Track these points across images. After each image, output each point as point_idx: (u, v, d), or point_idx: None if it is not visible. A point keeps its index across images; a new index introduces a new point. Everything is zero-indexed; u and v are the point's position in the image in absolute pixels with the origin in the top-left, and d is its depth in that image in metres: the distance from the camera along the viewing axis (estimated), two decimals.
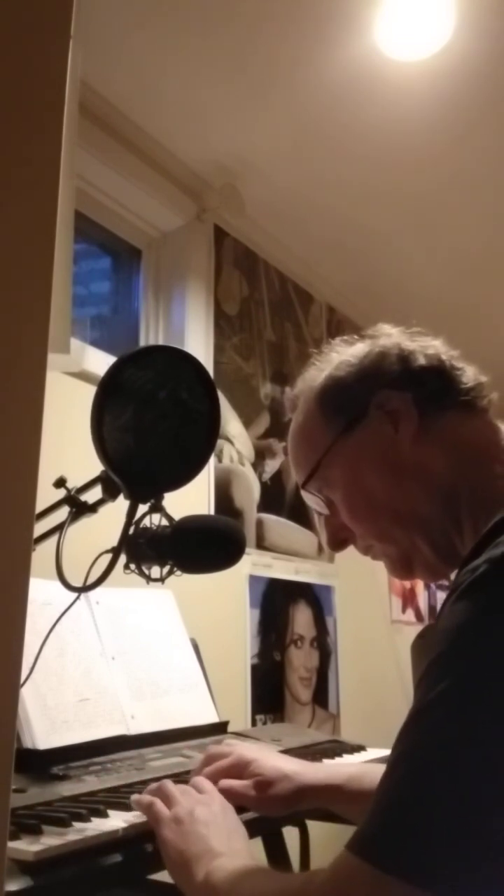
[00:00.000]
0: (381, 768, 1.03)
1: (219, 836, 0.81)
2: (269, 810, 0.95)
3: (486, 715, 0.57)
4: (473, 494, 0.82)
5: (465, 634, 0.61)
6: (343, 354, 0.93)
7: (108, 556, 0.85)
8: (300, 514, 2.54)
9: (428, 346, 0.90)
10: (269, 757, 0.99)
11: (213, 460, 2.21)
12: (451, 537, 0.84)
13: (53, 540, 0.90)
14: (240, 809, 0.92)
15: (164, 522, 0.89)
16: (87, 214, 2.16)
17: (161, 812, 0.85)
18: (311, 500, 0.94)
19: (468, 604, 0.62)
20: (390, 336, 0.92)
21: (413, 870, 0.56)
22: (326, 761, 1.21)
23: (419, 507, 0.84)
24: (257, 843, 1.22)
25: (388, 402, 0.87)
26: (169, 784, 0.91)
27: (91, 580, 0.84)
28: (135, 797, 0.89)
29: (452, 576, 0.88)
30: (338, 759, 1.25)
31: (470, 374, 0.89)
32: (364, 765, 1.09)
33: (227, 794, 0.92)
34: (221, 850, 0.79)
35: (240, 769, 0.97)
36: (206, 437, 0.91)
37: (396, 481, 0.85)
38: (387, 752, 1.35)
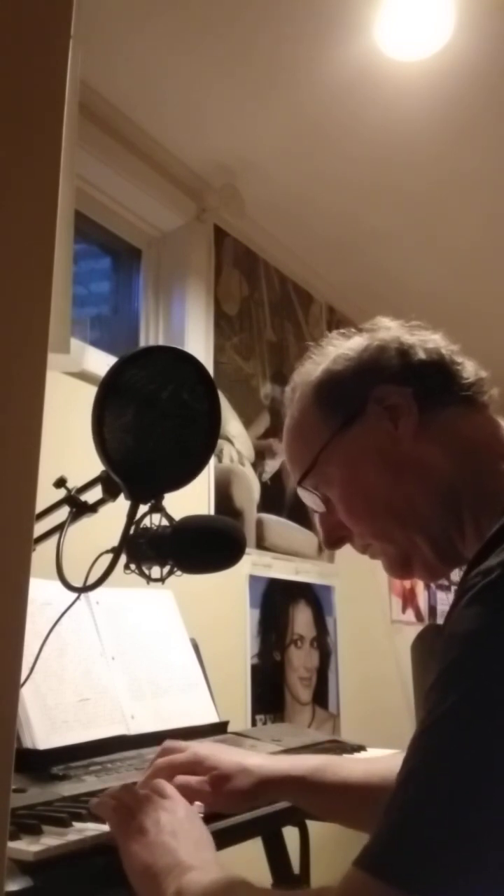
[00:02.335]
0: (346, 760, 1.01)
1: (186, 847, 0.76)
2: (227, 806, 0.90)
3: (497, 729, 0.55)
4: (476, 492, 0.80)
5: (476, 642, 0.59)
6: (340, 348, 0.90)
7: (109, 556, 0.85)
8: (300, 514, 2.54)
9: (428, 341, 0.88)
10: (227, 751, 0.95)
11: (213, 460, 2.21)
12: (452, 536, 0.82)
13: (53, 540, 0.90)
14: (214, 816, 0.88)
15: (165, 522, 0.89)
16: (87, 214, 2.16)
17: (124, 821, 0.80)
18: (308, 498, 0.91)
19: (480, 609, 0.60)
20: (389, 330, 0.90)
21: (423, 885, 0.55)
22: None
23: (418, 504, 0.82)
24: (257, 843, 1.22)
25: (387, 397, 0.84)
26: (130, 789, 0.86)
27: (91, 580, 0.84)
28: (94, 803, 0.84)
29: (453, 575, 0.87)
30: None
31: (470, 370, 0.87)
32: (328, 757, 1.05)
33: (183, 790, 0.87)
34: (191, 862, 0.73)
35: (195, 766, 0.91)
36: (206, 437, 0.91)
37: (395, 478, 0.83)
38: (387, 751, 1.36)
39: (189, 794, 0.88)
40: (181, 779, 0.89)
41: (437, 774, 0.57)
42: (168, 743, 0.97)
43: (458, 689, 0.58)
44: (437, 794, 0.56)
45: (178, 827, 0.79)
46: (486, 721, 0.56)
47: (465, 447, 0.83)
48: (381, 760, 0.99)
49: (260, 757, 0.95)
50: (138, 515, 0.87)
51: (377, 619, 2.99)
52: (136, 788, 0.87)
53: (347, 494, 0.86)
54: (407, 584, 3.19)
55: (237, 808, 0.92)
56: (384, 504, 0.84)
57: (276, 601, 2.40)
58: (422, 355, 0.86)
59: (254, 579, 2.31)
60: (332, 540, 0.91)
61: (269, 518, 2.45)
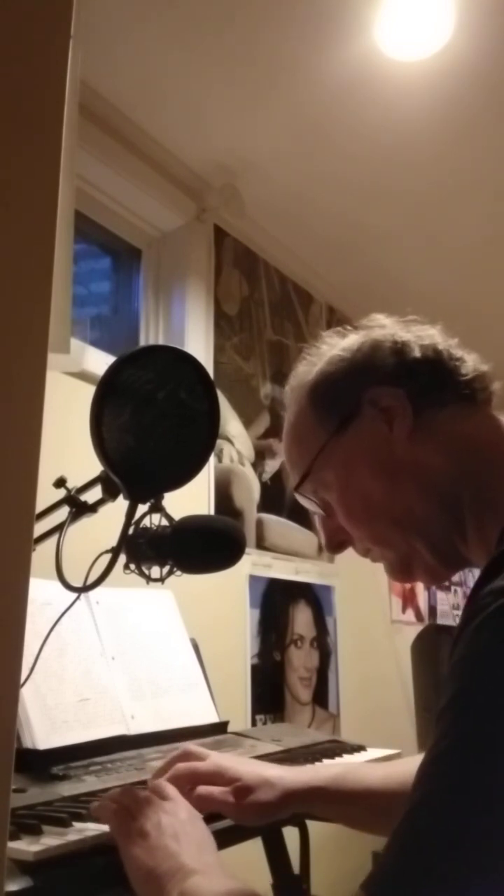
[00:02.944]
0: (364, 766, 1.01)
1: (189, 851, 0.75)
2: (250, 818, 0.89)
3: None
4: (477, 493, 0.78)
5: (488, 668, 0.58)
6: (335, 348, 0.88)
7: (108, 556, 0.85)
8: (300, 514, 2.53)
9: (424, 337, 0.85)
10: (247, 763, 0.94)
11: (213, 460, 2.21)
12: (453, 539, 0.80)
13: (53, 540, 0.90)
14: (214, 816, 0.87)
15: (164, 522, 0.89)
16: (87, 214, 2.16)
17: (125, 825, 0.79)
18: (306, 503, 0.90)
19: (492, 634, 0.59)
20: (384, 327, 0.87)
21: None
22: (326, 761, 1.21)
23: (416, 508, 0.80)
24: (257, 843, 1.22)
25: (380, 399, 0.82)
26: (131, 791, 0.84)
27: (91, 580, 0.84)
28: (95, 807, 0.83)
29: (456, 577, 0.86)
30: (338, 760, 1.25)
31: (470, 364, 0.84)
32: (347, 764, 1.04)
33: (206, 801, 0.86)
34: (194, 866, 0.72)
35: (216, 776, 0.90)
36: (205, 437, 0.91)
37: (392, 482, 0.81)
38: (387, 751, 1.36)
39: (212, 804, 0.87)
40: (204, 789, 0.88)
41: (447, 804, 0.56)
42: (188, 747, 0.96)
43: (469, 716, 0.57)
44: (446, 824, 0.55)
45: (180, 829, 0.78)
46: (496, 750, 0.55)
47: (465, 447, 0.81)
48: (399, 765, 0.98)
49: (280, 769, 0.94)
50: (138, 515, 0.87)
51: (377, 619, 2.99)
52: (138, 790, 0.86)
53: (345, 499, 0.85)
54: (407, 584, 3.19)
55: (259, 821, 0.91)
56: (382, 509, 0.82)
57: (276, 601, 2.40)
58: (417, 353, 0.84)
59: (254, 579, 2.31)
60: (334, 544, 0.90)
61: (269, 518, 2.45)
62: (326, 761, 1.21)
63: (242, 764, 0.93)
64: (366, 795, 0.91)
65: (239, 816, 0.88)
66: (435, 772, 0.58)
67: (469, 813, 0.55)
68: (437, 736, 0.59)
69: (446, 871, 0.54)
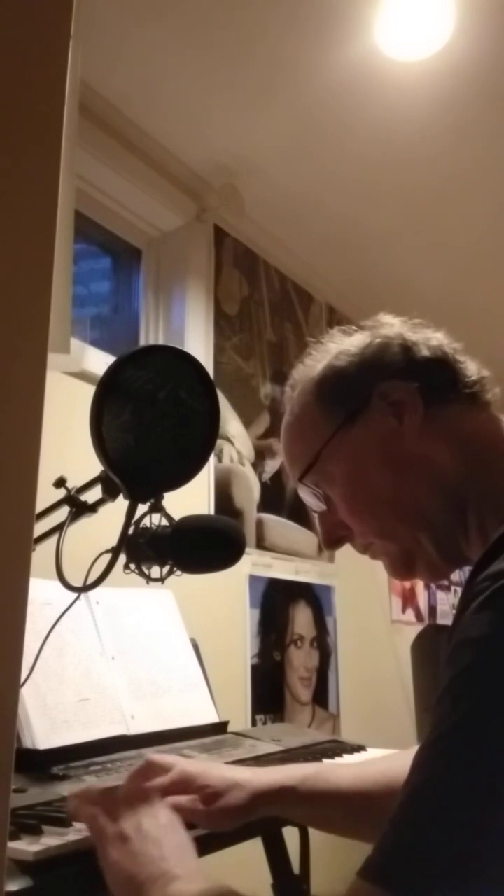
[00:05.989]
0: (337, 766, 1.00)
1: (170, 856, 0.74)
2: (220, 824, 0.87)
3: None
4: (481, 491, 0.79)
5: (488, 648, 0.58)
6: (342, 345, 0.89)
7: (108, 556, 0.85)
8: (300, 514, 2.54)
9: (431, 338, 0.87)
10: (215, 767, 0.92)
11: (213, 460, 2.21)
12: (456, 535, 0.81)
13: (53, 540, 0.90)
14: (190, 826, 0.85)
15: (164, 522, 0.89)
16: (87, 214, 2.16)
17: (105, 827, 0.77)
18: (308, 497, 0.90)
19: (491, 614, 0.59)
20: (392, 327, 0.89)
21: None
22: (326, 761, 1.21)
23: (423, 501, 0.81)
24: (257, 843, 1.22)
25: (392, 393, 0.83)
26: (110, 792, 0.83)
27: (91, 580, 0.84)
28: (72, 808, 0.81)
29: (453, 576, 0.86)
30: (337, 759, 1.25)
31: (473, 368, 0.86)
32: (319, 765, 1.02)
33: (174, 810, 0.83)
34: (176, 871, 0.71)
35: (184, 785, 0.87)
36: (205, 437, 0.91)
37: (400, 475, 0.82)
38: (387, 751, 1.35)
39: (181, 813, 0.84)
40: (172, 799, 0.86)
41: (449, 785, 0.56)
42: (152, 757, 0.92)
43: (470, 696, 0.57)
44: (448, 805, 0.55)
45: (161, 834, 0.77)
46: (499, 730, 0.55)
47: (471, 444, 0.82)
48: (372, 764, 0.97)
49: (249, 771, 0.93)
50: (138, 515, 0.87)
51: (377, 619, 2.99)
52: (116, 791, 0.84)
53: (350, 492, 0.85)
54: (407, 584, 3.19)
55: (231, 825, 0.89)
56: (388, 501, 0.83)
57: (276, 601, 2.40)
58: (426, 352, 0.85)
59: (254, 579, 2.31)
60: (332, 539, 0.90)
61: (269, 518, 2.45)
62: (326, 761, 1.21)
63: (211, 769, 0.91)
64: (335, 797, 0.90)
65: (208, 822, 0.87)
66: (436, 752, 0.58)
67: (470, 796, 0.55)
68: (436, 718, 0.58)
69: (446, 854, 0.54)
